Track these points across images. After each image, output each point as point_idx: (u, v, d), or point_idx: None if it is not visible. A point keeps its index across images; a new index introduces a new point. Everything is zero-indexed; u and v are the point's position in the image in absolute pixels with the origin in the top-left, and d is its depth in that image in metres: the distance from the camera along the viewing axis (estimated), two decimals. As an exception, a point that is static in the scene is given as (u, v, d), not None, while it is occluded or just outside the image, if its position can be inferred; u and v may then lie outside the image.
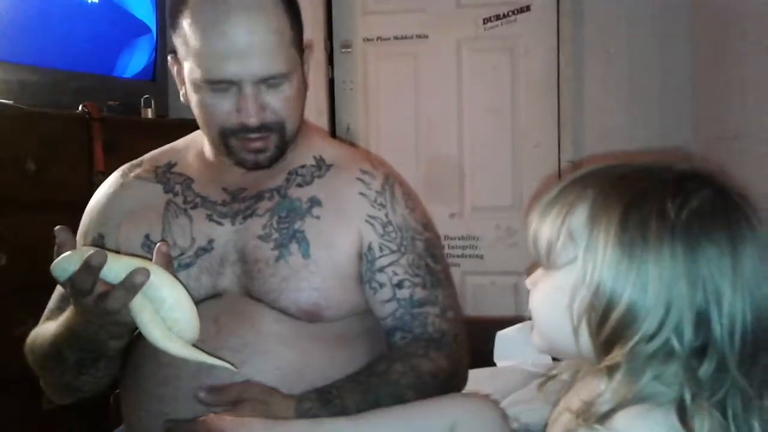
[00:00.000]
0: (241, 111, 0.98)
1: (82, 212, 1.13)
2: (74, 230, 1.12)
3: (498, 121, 2.72)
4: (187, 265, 1.02)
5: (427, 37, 2.76)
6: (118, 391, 1.09)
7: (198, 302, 1.00)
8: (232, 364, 0.87)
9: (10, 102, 1.75)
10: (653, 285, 0.58)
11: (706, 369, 0.58)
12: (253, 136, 1.00)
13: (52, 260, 0.81)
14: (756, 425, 0.58)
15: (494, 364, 1.83)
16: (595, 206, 0.61)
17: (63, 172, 1.80)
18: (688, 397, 0.57)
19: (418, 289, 1.04)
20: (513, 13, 2.68)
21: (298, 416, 0.92)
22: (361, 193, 1.06)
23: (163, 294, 0.80)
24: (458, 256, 2.75)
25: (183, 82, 1.03)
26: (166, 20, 1.87)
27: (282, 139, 1.03)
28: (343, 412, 0.94)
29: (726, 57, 2.20)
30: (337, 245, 1.02)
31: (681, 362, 0.58)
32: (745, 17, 2.05)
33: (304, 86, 1.05)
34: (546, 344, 0.67)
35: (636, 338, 0.58)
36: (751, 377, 0.58)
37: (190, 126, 1.13)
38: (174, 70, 1.05)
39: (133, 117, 2.15)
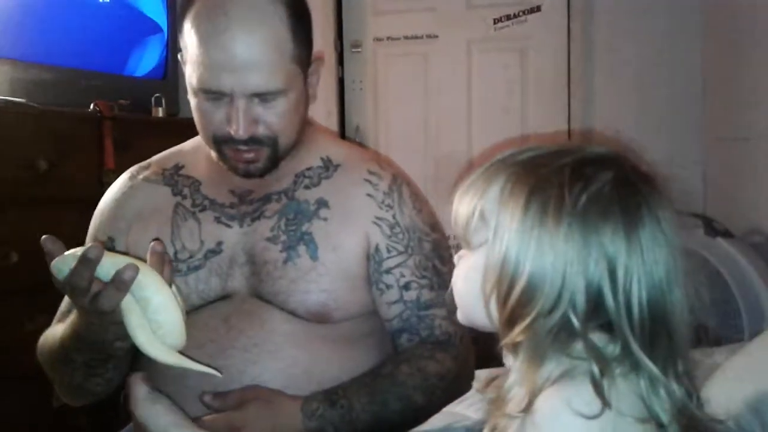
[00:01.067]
0: (231, 123, 0.97)
1: (92, 210, 1.14)
2: (84, 229, 1.13)
3: (508, 121, 2.71)
4: (197, 268, 1.02)
5: (437, 37, 2.76)
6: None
7: (208, 304, 1.01)
8: (217, 370, 0.86)
9: (22, 100, 1.76)
10: (549, 260, 0.61)
11: (612, 349, 0.61)
12: (243, 148, 0.99)
13: None
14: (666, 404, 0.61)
15: (503, 364, 1.83)
16: (504, 191, 0.64)
17: (74, 170, 1.81)
18: (596, 371, 0.59)
19: (425, 291, 1.04)
20: (523, 13, 2.68)
21: (305, 417, 0.93)
22: (368, 194, 1.06)
23: (148, 294, 0.79)
24: (467, 256, 2.75)
25: None
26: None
27: (274, 152, 1.02)
28: (349, 413, 0.94)
29: (737, 57, 2.19)
30: (344, 247, 1.02)
31: (583, 339, 0.61)
32: (756, 16, 2.03)
33: (304, 100, 1.04)
34: (466, 320, 0.71)
35: (534, 313, 0.61)
36: (654, 359, 0.61)
37: (200, 126, 1.14)
38: (183, 68, 1.06)
39: (143, 116, 2.16)
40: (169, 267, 0.84)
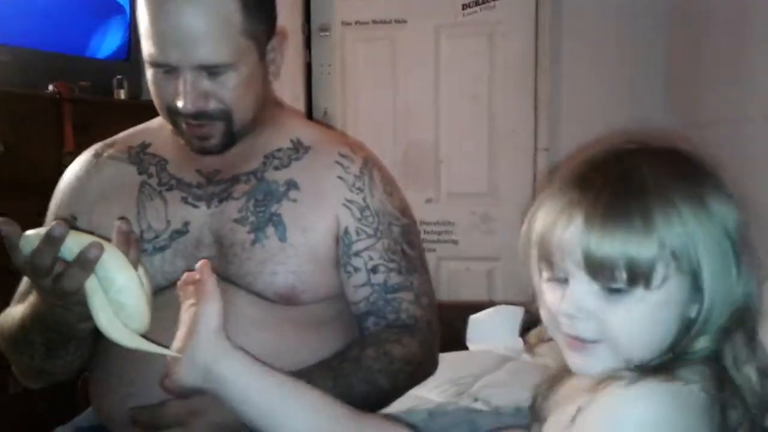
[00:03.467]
0: (179, 96, 0.96)
1: (51, 194, 1.11)
2: (43, 213, 1.10)
3: (475, 107, 2.72)
4: (162, 248, 1.01)
5: (405, 22, 2.75)
6: (86, 373, 1.08)
7: (174, 285, 1.00)
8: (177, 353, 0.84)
9: (-21, 81, 1.71)
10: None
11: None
12: (194, 122, 0.98)
13: None
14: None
15: (467, 348, 1.85)
16: (682, 220, 0.61)
17: (33, 153, 1.77)
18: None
19: (393, 275, 1.04)
20: (492, -1, 2.68)
21: None
22: (339, 177, 1.05)
23: (111, 275, 0.76)
24: (434, 242, 2.76)
25: None
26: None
27: (229, 128, 1.00)
28: None
29: (700, 43, 2.23)
30: (314, 229, 1.01)
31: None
32: (717, 2, 2.07)
33: (260, 76, 1.02)
34: (631, 361, 0.64)
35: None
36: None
37: (163, 108, 1.11)
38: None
39: (105, 98, 2.12)
40: (136, 247, 0.82)
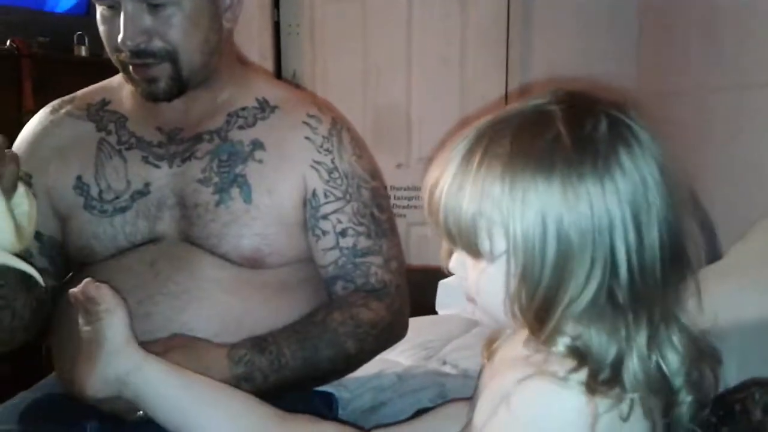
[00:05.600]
0: (120, 31, 0.93)
1: (10, 152, 1.07)
2: (-1, 172, 1.06)
3: (447, 70, 2.70)
4: (123, 209, 0.98)
5: (376, -19, 2.70)
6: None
7: (135, 247, 0.97)
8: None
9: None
10: (577, 231, 0.58)
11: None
12: (137, 61, 0.95)
13: None
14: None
15: (436, 312, 1.86)
16: (506, 187, 0.59)
17: (-10, 110, 1.71)
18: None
19: (362, 238, 1.03)
20: (464, -40, 2.64)
21: (232, 363, 0.91)
22: (306, 138, 1.02)
23: None
24: (404, 207, 2.76)
25: None
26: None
27: (176, 71, 0.96)
28: (279, 359, 0.93)
29: (671, 13, 2.22)
30: (280, 190, 0.99)
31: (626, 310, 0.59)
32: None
33: (208, 17, 0.97)
34: (495, 323, 0.67)
35: (567, 298, 0.59)
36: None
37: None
38: None
39: (65, 54, 2.05)
40: (14, 165, 0.76)
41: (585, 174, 0.57)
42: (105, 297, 0.77)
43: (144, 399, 0.77)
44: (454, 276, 0.67)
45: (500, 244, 0.60)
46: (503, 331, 0.70)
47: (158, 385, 0.77)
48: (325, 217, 1.01)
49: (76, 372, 0.78)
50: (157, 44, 0.94)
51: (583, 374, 0.57)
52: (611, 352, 0.58)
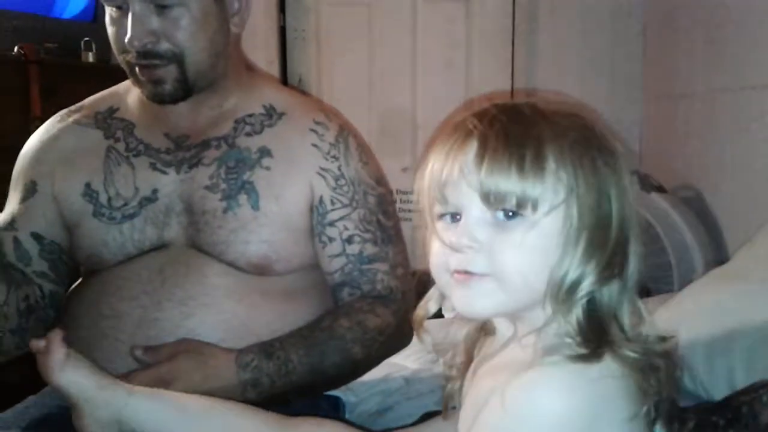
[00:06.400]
0: (127, 32, 0.93)
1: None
2: (8, 179, 1.07)
3: (452, 74, 2.70)
4: (132, 216, 0.99)
5: (381, -15, 2.70)
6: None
7: (143, 253, 0.98)
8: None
9: (-61, 41, 1.65)
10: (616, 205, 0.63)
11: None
12: (144, 62, 0.95)
13: None
14: None
15: (443, 316, 1.86)
16: (559, 154, 0.61)
17: (-2, 117, 1.72)
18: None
19: (369, 245, 1.03)
20: (469, -36, 2.64)
21: (239, 368, 0.91)
22: (314, 145, 1.03)
23: None
24: (410, 211, 2.75)
25: None
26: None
27: (182, 73, 0.97)
28: (286, 365, 0.93)
29: (676, 14, 2.22)
30: (287, 197, 1.00)
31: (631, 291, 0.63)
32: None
33: (216, 20, 0.98)
34: (518, 301, 0.64)
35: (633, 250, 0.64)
36: None
37: (133, 71, 1.08)
38: None
39: (72, 60, 2.06)
40: None
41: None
42: (55, 354, 0.74)
43: (144, 428, 0.76)
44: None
45: (561, 193, 0.60)
46: (480, 336, 0.70)
47: (152, 412, 0.76)
48: (331, 223, 1.01)
49: (74, 420, 0.77)
50: (164, 46, 0.95)
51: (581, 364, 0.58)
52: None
